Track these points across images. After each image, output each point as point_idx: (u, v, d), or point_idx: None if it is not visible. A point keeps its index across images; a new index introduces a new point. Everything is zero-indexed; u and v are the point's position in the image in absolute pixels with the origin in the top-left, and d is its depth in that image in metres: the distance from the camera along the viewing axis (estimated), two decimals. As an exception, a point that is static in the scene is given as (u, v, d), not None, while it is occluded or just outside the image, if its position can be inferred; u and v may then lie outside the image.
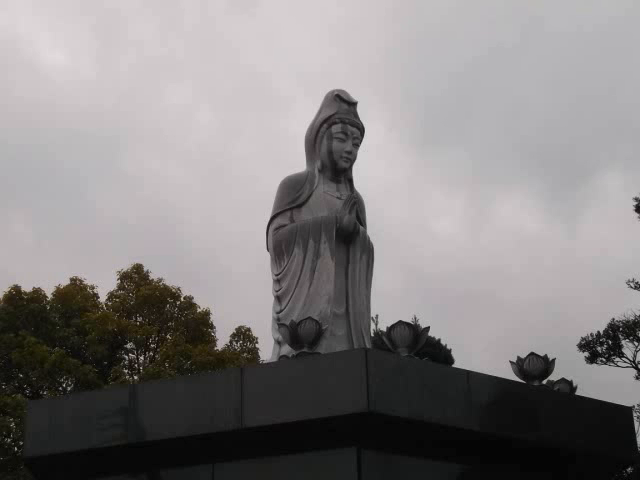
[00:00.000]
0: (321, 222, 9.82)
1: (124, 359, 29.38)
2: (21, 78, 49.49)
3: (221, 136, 52.42)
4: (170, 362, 27.04)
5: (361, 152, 10.41)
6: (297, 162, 10.60)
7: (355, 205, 9.98)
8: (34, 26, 51.07)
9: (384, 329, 14.24)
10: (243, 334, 29.95)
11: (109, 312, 28.73)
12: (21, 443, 22.82)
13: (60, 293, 28.63)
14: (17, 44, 49.73)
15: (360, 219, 10.28)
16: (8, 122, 47.43)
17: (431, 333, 10.77)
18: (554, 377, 8.91)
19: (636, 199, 26.14)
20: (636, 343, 26.06)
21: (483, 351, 44.17)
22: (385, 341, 8.43)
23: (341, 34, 50.78)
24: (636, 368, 26.12)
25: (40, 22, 51.42)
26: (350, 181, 10.50)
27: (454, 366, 19.68)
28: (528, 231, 49.83)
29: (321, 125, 10.23)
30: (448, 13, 49.59)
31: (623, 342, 26.17)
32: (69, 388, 26.69)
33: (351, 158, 10.29)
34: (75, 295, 28.65)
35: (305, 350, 8.08)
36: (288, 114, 49.70)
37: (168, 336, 29.44)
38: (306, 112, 10.56)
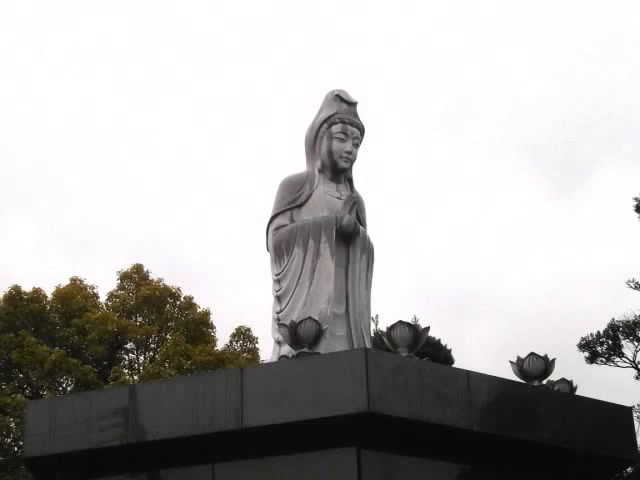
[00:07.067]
0: (321, 222, 9.82)
1: (124, 359, 29.35)
2: (15, 83, 49.57)
3: (221, 138, 52.43)
4: (170, 362, 27.02)
5: (362, 152, 10.44)
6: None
7: (355, 205, 9.99)
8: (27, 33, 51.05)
9: (384, 329, 14.25)
10: (243, 334, 29.93)
11: (109, 312, 28.69)
12: (21, 443, 22.81)
13: (60, 293, 28.60)
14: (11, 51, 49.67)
15: (360, 219, 10.29)
16: (8, 123, 47.55)
17: (431, 333, 10.78)
18: (554, 377, 8.92)
19: (636, 199, 26.12)
20: (636, 343, 26.04)
21: (483, 351, 44.21)
22: (385, 341, 8.43)
23: (344, 34, 50.76)
24: (636, 368, 26.11)
25: (33, 31, 51.35)
26: (350, 181, 10.50)
27: (454, 366, 19.68)
28: (528, 231, 49.85)
29: (321, 125, 10.23)
30: (448, 11, 49.65)
31: (623, 342, 26.14)
32: (69, 388, 26.68)
33: (351, 158, 10.29)
34: (75, 295, 28.61)
35: (305, 350, 8.08)
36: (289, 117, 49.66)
37: (168, 336, 29.41)
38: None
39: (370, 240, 10.23)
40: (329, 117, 10.19)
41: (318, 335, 8.21)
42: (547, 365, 8.76)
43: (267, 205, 10.25)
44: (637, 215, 26.13)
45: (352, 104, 10.31)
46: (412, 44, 51.39)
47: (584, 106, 50.56)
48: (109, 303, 29.69)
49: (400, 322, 8.25)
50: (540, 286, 46.01)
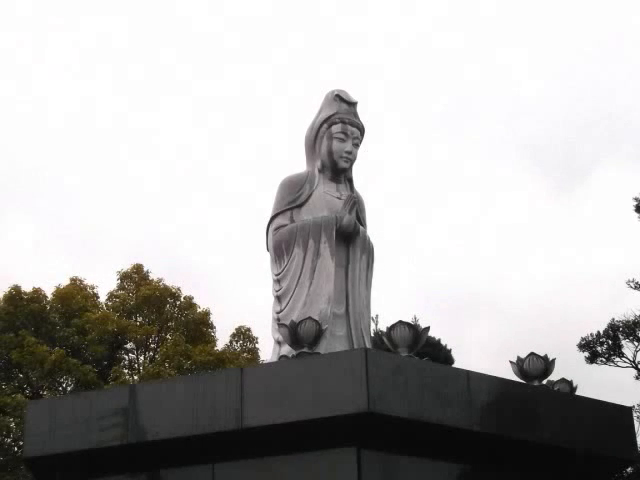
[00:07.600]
0: (321, 222, 9.82)
1: (124, 359, 29.36)
2: (15, 83, 49.58)
3: (221, 138, 52.45)
4: (170, 362, 27.02)
5: (362, 152, 10.44)
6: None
7: (355, 205, 9.99)
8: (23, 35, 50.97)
9: (384, 329, 14.25)
10: (243, 334, 29.93)
11: (109, 312, 28.70)
12: (21, 443, 22.81)
13: (60, 293, 28.60)
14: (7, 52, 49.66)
15: (360, 219, 10.29)
16: (8, 123, 47.54)
17: (431, 333, 10.78)
18: (554, 377, 8.92)
19: (636, 199, 26.11)
20: (636, 343, 26.03)
21: (483, 351, 44.20)
22: (385, 341, 8.43)
23: (344, 34, 50.75)
24: (636, 368, 26.11)
25: (33, 31, 51.35)
26: (350, 181, 10.50)
27: (454, 366, 19.68)
28: (528, 231, 49.84)
29: (321, 125, 10.23)
30: (448, 11, 49.66)
31: (623, 342, 26.14)
32: (69, 388, 26.68)
33: (351, 158, 10.29)
34: (75, 295, 28.61)
35: (305, 350, 8.08)
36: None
37: (168, 336, 29.41)
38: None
39: (370, 240, 10.23)
40: (329, 117, 10.19)
41: (318, 335, 8.21)
42: (547, 365, 8.76)
43: (267, 205, 10.27)
44: (637, 215, 26.14)
45: (352, 104, 10.31)
46: (412, 44, 51.45)
47: (584, 106, 50.61)
48: (109, 303, 29.69)
49: (400, 322, 8.25)
50: (540, 286, 46.04)
